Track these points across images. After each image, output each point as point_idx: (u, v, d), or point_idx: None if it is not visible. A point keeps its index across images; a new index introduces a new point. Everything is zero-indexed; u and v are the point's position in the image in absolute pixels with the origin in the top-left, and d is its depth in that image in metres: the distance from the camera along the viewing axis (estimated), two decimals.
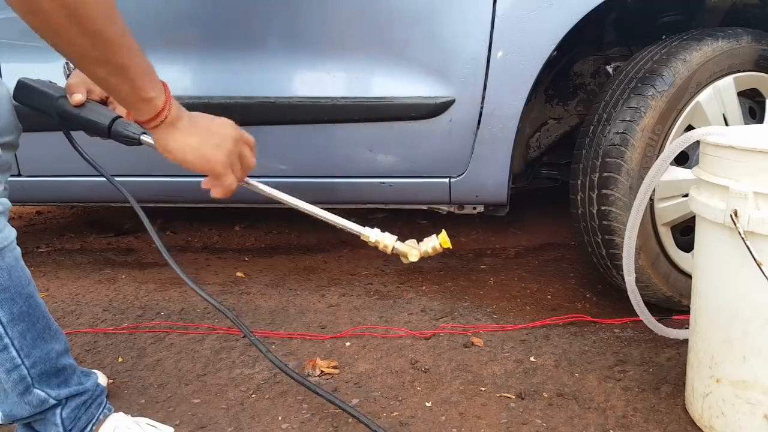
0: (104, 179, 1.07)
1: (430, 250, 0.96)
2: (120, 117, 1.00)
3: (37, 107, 1.00)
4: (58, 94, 1.00)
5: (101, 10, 0.72)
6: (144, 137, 0.97)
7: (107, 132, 0.98)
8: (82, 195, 1.81)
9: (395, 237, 1.00)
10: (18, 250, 0.93)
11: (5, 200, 0.92)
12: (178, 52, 1.54)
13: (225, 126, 0.91)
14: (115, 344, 1.45)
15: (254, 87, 1.51)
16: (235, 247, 2.22)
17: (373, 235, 0.98)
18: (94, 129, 0.99)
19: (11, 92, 0.97)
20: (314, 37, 1.48)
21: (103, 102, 1.03)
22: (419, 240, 1.01)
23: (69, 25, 0.70)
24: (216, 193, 0.93)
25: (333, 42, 1.48)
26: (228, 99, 1.51)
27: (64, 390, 0.96)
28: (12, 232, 0.92)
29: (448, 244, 0.94)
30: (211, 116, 0.91)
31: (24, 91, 1.01)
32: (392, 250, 0.98)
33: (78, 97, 0.98)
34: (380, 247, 0.97)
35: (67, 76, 1.03)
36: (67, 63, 1.04)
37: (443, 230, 0.96)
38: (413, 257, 0.96)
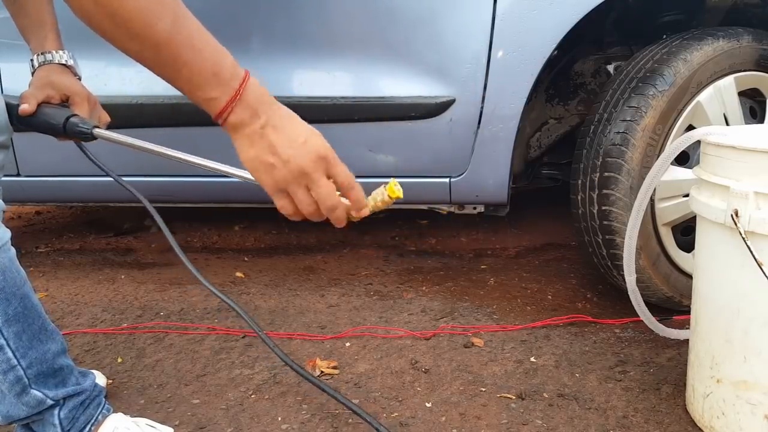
0: (104, 179, 1.07)
1: (379, 203, 0.84)
2: (74, 115, 1.02)
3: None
4: (16, 102, 1.02)
5: (141, 11, 0.69)
6: (96, 131, 0.99)
7: (63, 131, 1.00)
8: (81, 195, 1.81)
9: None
10: (13, 250, 0.92)
11: None
12: None
13: (297, 148, 0.77)
14: (115, 344, 1.45)
15: None
16: (234, 247, 2.22)
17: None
18: (50, 131, 1.02)
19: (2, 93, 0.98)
20: (314, 36, 1.48)
21: (64, 103, 1.05)
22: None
23: (114, 28, 0.69)
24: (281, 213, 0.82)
25: (333, 42, 1.48)
26: None
27: (62, 390, 0.96)
28: (6, 233, 0.91)
29: (395, 194, 0.82)
30: (299, 133, 0.78)
31: None
32: (372, 207, 0.84)
33: (24, 108, 1.00)
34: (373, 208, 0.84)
35: (32, 74, 1.05)
36: (30, 60, 1.05)
37: (392, 179, 0.85)
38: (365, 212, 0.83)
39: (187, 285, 1.81)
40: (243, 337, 1.46)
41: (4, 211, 0.93)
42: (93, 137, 1.00)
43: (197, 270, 1.02)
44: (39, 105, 1.02)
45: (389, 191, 0.83)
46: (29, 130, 1.03)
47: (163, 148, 0.95)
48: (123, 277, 1.90)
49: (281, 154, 0.76)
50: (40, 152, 1.59)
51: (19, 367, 0.91)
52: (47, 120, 1.00)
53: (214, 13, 1.51)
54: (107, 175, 1.07)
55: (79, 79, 1.09)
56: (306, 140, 0.78)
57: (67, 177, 1.72)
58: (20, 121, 1.02)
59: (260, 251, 2.15)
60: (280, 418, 1.14)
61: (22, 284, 0.92)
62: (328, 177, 0.79)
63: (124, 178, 1.09)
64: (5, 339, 0.89)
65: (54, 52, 1.05)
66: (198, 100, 0.76)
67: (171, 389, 1.25)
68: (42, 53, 1.05)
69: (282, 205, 0.80)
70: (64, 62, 1.06)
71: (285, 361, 1.03)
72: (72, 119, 1.01)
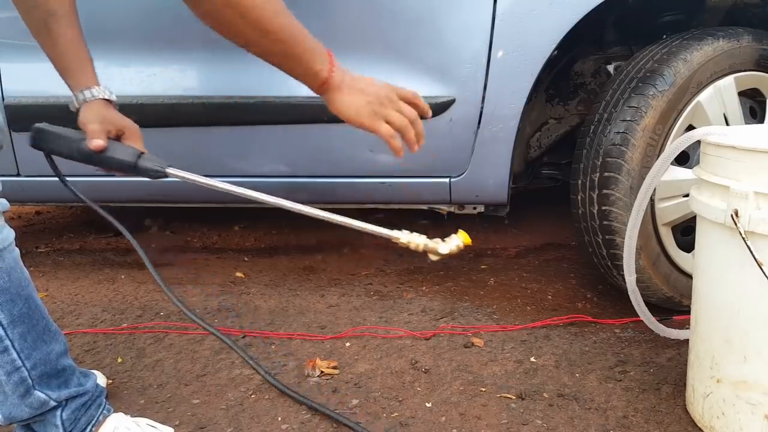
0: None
1: (454, 248, 1.03)
2: (143, 153, 1.03)
3: (58, 152, 1.04)
4: (79, 137, 1.02)
5: (267, 9, 0.91)
6: (169, 170, 1.03)
7: (134, 169, 1.03)
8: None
9: (424, 236, 1.05)
10: (17, 251, 0.93)
11: (3, 200, 0.92)
12: (178, 51, 1.54)
13: (377, 87, 1.05)
14: (115, 344, 1.45)
15: (254, 87, 1.50)
16: (234, 247, 2.22)
17: (403, 236, 1.03)
18: (119, 167, 1.03)
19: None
20: (314, 36, 1.47)
21: (118, 137, 1.06)
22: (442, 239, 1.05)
23: (244, 27, 0.91)
24: (387, 141, 1.07)
25: (333, 41, 1.46)
26: (228, 99, 1.51)
27: (64, 391, 0.96)
28: (11, 233, 0.91)
29: (469, 241, 1.04)
30: (370, 80, 1.05)
31: (44, 136, 1.03)
32: (423, 247, 1.02)
33: (98, 143, 1.01)
34: (412, 246, 1.03)
35: (75, 111, 1.05)
36: (75, 96, 1.05)
37: (460, 230, 1.05)
38: (444, 250, 1.02)
39: (188, 285, 1.81)
40: (243, 337, 1.46)
41: (4, 212, 0.93)
42: (165, 176, 1.04)
43: (157, 273, 1.10)
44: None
45: (464, 239, 1.03)
46: (92, 164, 1.04)
47: (234, 187, 1.03)
48: (123, 277, 1.90)
49: (371, 92, 1.04)
50: (40, 152, 1.58)
51: (23, 368, 0.91)
52: (118, 156, 1.02)
53: None
54: (56, 176, 1.07)
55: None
56: (373, 80, 1.06)
57: (67, 177, 1.72)
58: (86, 158, 1.02)
59: (260, 251, 2.15)
60: (280, 418, 1.14)
61: (26, 285, 0.92)
62: None
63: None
64: (10, 340, 0.89)
65: (97, 87, 1.06)
66: (306, 75, 1.00)
67: (171, 389, 1.25)
68: (88, 88, 1.04)
69: (386, 129, 1.05)
70: (107, 97, 1.06)
71: (254, 364, 1.05)
72: (144, 156, 1.03)
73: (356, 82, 1.04)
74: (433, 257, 1.04)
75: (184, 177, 1.03)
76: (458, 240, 1.03)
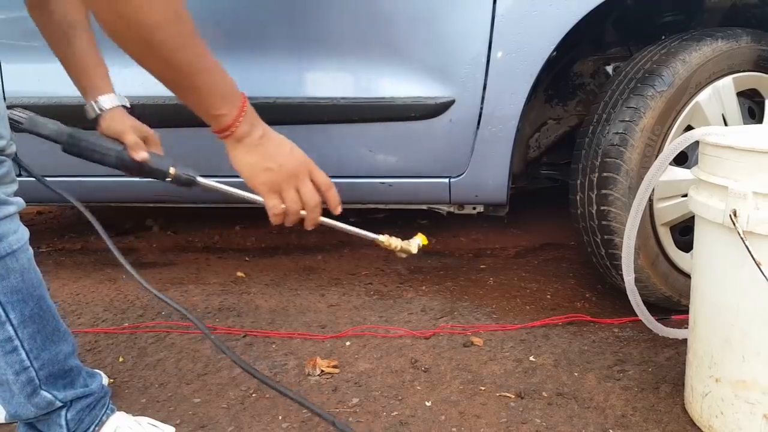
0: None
1: (417, 248, 1.10)
2: (175, 163, 1.05)
3: (94, 160, 1.05)
4: (118, 147, 1.04)
5: (173, 39, 0.78)
6: (199, 179, 1.04)
7: (167, 178, 1.04)
8: (82, 195, 1.80)
9: (399, 238, 1.11)
10: (31, 251, 0.93)
11: (19, 199, 0.92)
12: None
13: (287, 158, 0.93)
14: (116, 344, 1.46)
15: (254, 87, 1.50)
16: (235, 247, 2.22)
17: (384, 239, 1.08)
18: (154, 176, 1.05)
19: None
20: (314, 37, 1.48)
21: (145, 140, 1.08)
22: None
23: (145, 51, 0.78)
24: (270, 216, 0.95)
25: (333, 42, 1.48)
26: None
27: (70, 392, 0.96)
28: (25, 233, 0.92)
29: (426, 242, 1.12)
30: (285, 143, 0.94)
31: (82, 144, 1.04)
32: (400, 248, 1.09)
33: (144, 155, 1.02)
34: (391, 246, 1.08)
35: (94, 118, 1.06)
36: (93, 102, 1.06)
37: (419, 233, 1.12)
38: (414, 250, 1.10)
39: (189, 285, 1.81)
40: (244, 336, 1.46)
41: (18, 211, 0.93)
42: (196, 184, 1.05)
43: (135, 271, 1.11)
44: None
45: (422, 240, 1.11)
46: (129, 174, 1.06)
47: (258, 197, 0.99)
48: (124, 276, 1.90)
49: (276, 159, 0.92)
50: (40, 152, 1.59)
51: (31, 368, 0.91)
52: (156, 167, 1.03)
53: (216, 14, 1.52)
54: (31, 176, 1.07)
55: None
56: (291, 148, 0.94)
57: (68, 177, 1.72)
58: (126, 167, 1.04)
59: (261, 251, 2.16)
60: (280, 417, 1.14)
61: (38, 285, 0.92)
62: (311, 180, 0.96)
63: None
64: (20, 340, 0.90)
65: (114, 95, 1.07)
66: (205, 115, 0.87)
67: (172, 388, 1.26)
68: (107, 95, 1.06)
69: (273, 204, 0.93)
70: (126, 104, 1.08)
71: (241, 364, 1.07)
72: (177, 166, 1.04)
73: (265, 143, 0.91)
74: (402, 255, 1.11)
75: (210, 187, 1.04)
76: (418, 240, 1.11)
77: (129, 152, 1.02)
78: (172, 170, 1.03)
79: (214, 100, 0.86)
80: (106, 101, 1.06)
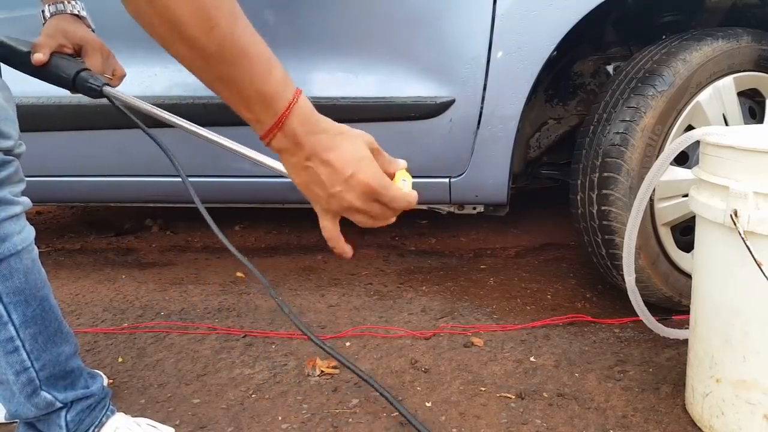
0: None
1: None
2: (85, 69, 0.99)
3: (8, 63, 0.99)
4: (27, 49, 0.98)
5: (194, 15, 0.63)
6: (106, 89, 0.96)
7: (72, 85, 0.98)
8: (82, 195, 1.81)
9: None
10: (36, 251, 0.92)
11: (26, 199, 0.91)
12: None
13: (343, 183, 0.71)
14: (115, 344, 1.45)
15: None
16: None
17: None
18: (60, 83, 0.99)
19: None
20: (314, 37, 1.48)
21: (77, 53, 1.02)
22: None
23: (168, 32, 0.64)
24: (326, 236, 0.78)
25: (333, 42, 1.48)
26: None
27: (71, 393, 0.96)
28: (31, 233, 0.91)
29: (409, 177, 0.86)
30: (347, 167, 0.71)
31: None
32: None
33: (38, 57, 0.97)
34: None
35: (43, 24, 1.02)
36: (42, 11, 1.02)
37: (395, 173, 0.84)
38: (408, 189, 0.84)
39: (188, 285, 1.81)
40: (243, 337, 1.46)
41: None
42: (101, 95, 0.96)
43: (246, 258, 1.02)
44: (52, 54, 0.99)
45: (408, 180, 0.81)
46: (38, 78, 1.00)
47: (174, 116, 0.89)
48: (124, 276, 1.90)
49: (328, 188, 0.72)
50: (40, 152, 1.59)
51: (32, 369, 0.91)
52: (58, 72, 0.97)
53: None
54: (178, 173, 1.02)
55: (93, 31, 1.06)
56: (353, 174, 0.71)
57: (68, 177, 1.72)
58: (30, 71, 0.99)
59: (261, 251, 2.16)
60: (280, 418, 1.14)
61: (42, 286, 0.92)
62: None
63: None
64: (21, 341, 0.89)
65: (66, 2, 1.02)
66: (241, 117, 0.70)
67: (172, 389, 1.25)
68: (54, 3, 1.02)
69: (323, 226, 0.76)
70: (77, 12, 1.03)
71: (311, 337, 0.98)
72: (83, 74, 0.97)
73: (317, 166, 0.71)
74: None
75: (119, 98, 0.95)
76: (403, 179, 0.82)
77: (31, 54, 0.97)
78: (74, 76, 0.95)
79: (247, 97, 0.68)
80: (53, 8, 1.02)
